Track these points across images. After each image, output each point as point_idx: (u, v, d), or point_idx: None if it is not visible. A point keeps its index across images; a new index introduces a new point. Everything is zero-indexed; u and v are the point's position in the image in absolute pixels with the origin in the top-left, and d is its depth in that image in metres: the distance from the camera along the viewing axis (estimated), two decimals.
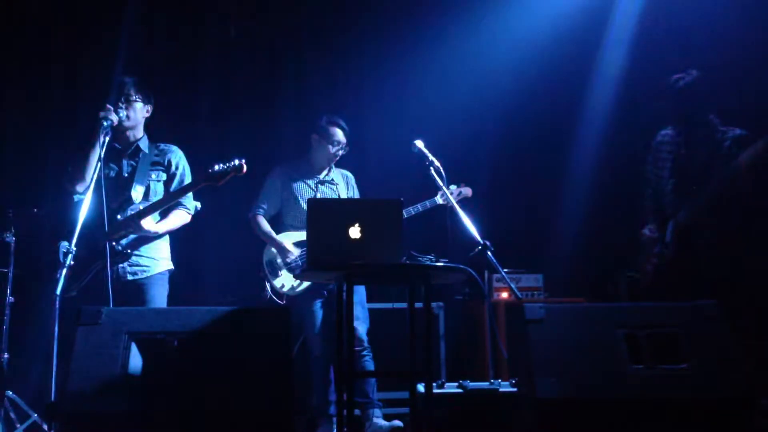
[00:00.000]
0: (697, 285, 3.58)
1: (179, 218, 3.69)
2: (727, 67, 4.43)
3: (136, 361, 2.74)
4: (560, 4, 5.20)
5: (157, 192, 3.66)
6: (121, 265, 3.52)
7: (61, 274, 2.99)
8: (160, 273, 3.64)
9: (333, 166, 4.36)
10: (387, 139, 4.34)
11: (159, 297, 3.60)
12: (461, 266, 3.09)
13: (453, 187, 4.21)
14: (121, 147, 3.67)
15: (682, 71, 3.81)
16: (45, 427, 3.80)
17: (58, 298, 2.94)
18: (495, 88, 5.25)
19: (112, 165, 3.64)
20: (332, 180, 4.34)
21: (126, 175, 3.64)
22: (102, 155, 3.32)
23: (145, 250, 3.60)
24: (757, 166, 3.49)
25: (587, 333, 2.81)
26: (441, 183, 3.60)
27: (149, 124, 3.78)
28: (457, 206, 3.58)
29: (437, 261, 3.27)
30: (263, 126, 5.31)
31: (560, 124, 5.35)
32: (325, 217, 2.98)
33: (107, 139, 3.39)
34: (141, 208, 3.53)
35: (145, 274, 3.59)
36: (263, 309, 2.85)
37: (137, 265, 3.58)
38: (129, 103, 3.62)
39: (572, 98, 5.30)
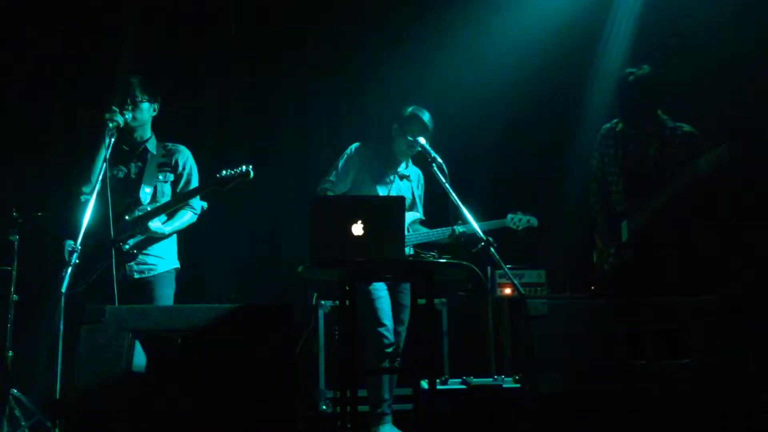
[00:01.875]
0: (658, 283, 3.60)
1: (186, 218, 3.70)
2: (726, 65, 4.45)
3: (139, 358, 2.76)
4: (562, 3, 5.21)
5: (165, 193, 3.68)
6: (128, 264, 3.54)
7: (66, 273, 3.00)
8: (167, 271, 3.66)
9: (409, 160, 4.13)
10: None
11: (166, 295, 3.62)
12: (464, 262, 3.09)
13: (519, 213, 4.13)
14: (128, 148, 3.69)
15: (635, 67, 3.81)
16: (49, 424, 3.82)
17: (63, 296, 2.96)
18: (497, 84, 5.24)
19: (120, 166, 3.65)
20: (409, 175, 4.12)
21: (134, 176, 3.65)
22: (107, 156, 3.33)
23: (152, 248, 3.63)
24: (719, 169, 3.51)
25: (590, 329, 2.82)
26: (444, 180, 3.59)
27: (156, 123, 3.79)
28: (459, 202, 3.57)
29: (440, 257, 3.27)
30: (267, 125, 5.32)
31: (562, 120, 5.34)
32: (328, 214, 2.98)
33: (113, 140, 3.39)
34: (149, 209, 3.55)
35: (152, 273, 3.61)
36: (266, 307, 2.85)
37: (144, 264, 3.60)
38: (135, 104, 3.61)
39: (574, 94, 5.30)
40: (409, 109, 3.97)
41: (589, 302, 3.73)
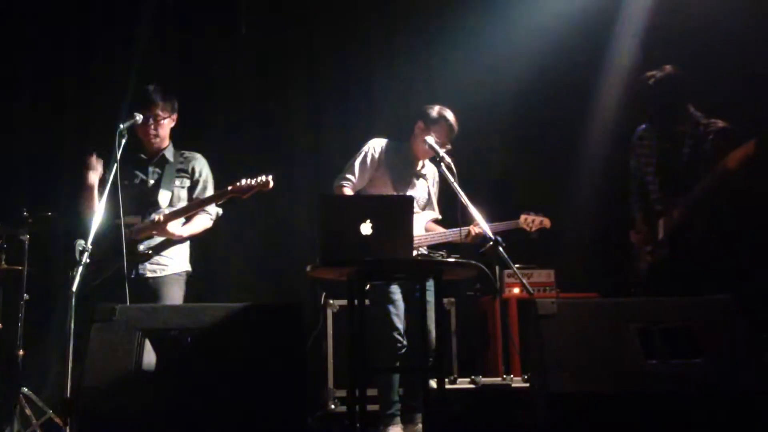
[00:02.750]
0: (693, 282, 3.58)
1: (202, 224, 3.73)
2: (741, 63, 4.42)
3: (150, 357, 2.77)
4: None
5: (181, 198, 3.72)
6: (140, 264, 3.56)
7: (76, 272, 3.02)
8: (177, 273, 3.68)
9: (427, 159, 4.10)
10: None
11: (176, 296, 3.64)
12: (473, 262, 3.09)
13: (532, 213, 4.11)
14: (146, 157, 3.73)
15: (654, 68, 3.79)
16: (60, 423, 3.83)
17: (74, 296, 2.97)
18: (505, 82, 5.23)
19: (136, 172, 3.69)
20: (425, 174, 4.11)
21: (152, 181, 3.69)
22: (119, 157, 3.34)
23: (165, 250, 3.65)
24: (747, 166, 3.48)
25: (600, 328, 2.81)
26: (452, 179, 3.59)
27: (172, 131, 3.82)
28: (467, 202, 3.57)
29: (449, 257, 3.27)
30: (276, 125, 5.33)
31: (572, 119, 5.33)
32: (337, 213, 2.99)
33: (123, 141, 3.40)
34: (167, 212, 3.58)
35: (163, 273, 3.63)
36: (276, 306, 2.86)
37: (156, 264, 3.63)
38: (157, 123, 3.65)
39: (583, 93, 5.28)
40: (437, 109, 3.97)
41: (599, 301, 3.72)
